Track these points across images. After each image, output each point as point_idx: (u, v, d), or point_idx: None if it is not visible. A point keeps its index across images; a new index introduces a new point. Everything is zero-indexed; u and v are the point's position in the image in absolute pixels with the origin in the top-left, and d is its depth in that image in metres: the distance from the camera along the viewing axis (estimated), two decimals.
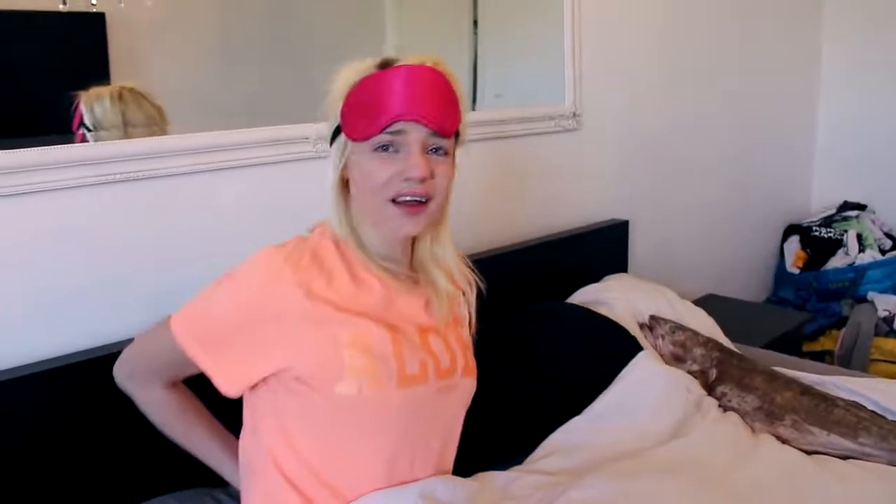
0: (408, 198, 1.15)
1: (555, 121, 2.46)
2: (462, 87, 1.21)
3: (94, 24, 1.56)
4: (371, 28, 2.10)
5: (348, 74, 1.17)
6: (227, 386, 1.16)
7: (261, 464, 1.21)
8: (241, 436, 1.27)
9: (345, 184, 1.21)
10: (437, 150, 1.17)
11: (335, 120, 1.18)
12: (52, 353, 1.49)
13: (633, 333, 2.05)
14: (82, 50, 1.58)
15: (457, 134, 1.21)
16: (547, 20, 2.46)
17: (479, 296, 1.34)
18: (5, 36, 1.45)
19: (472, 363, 1.32)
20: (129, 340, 1.54)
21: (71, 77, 1.56)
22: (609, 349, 1.97)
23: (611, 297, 2.22)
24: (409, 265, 1.28)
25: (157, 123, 1.60)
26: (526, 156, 2.42)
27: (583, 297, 2.27)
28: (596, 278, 2.42)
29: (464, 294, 1.32)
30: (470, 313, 1.35)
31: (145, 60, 1.65)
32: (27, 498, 1.41)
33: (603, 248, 2.63)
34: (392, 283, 1.22)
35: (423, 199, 1.15)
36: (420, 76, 1.14)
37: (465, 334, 1.34)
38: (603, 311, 2.13)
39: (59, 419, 1.44)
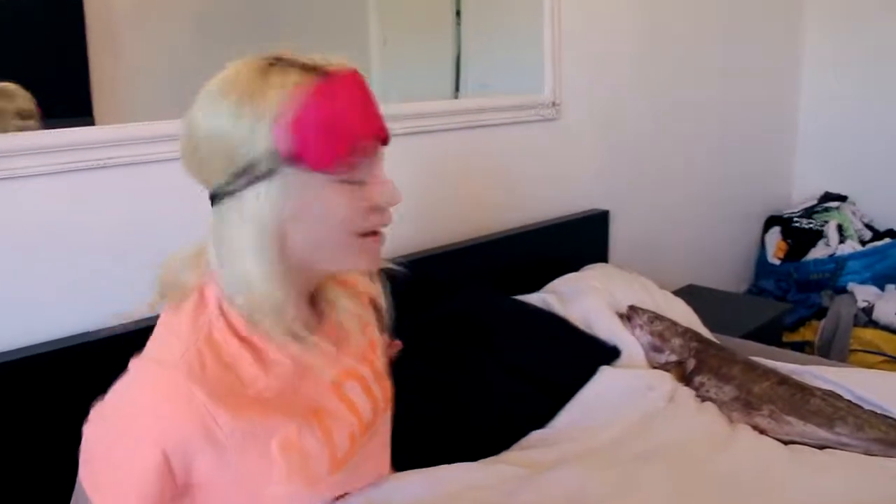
0: (382, 228, 1.00)
1: (534, 110, 2.44)
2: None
3: (71, 4, 1.53)
4: (353, 19, 2.08)
5: (284, 93, 0.91)
6: None
7: None
8: None
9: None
10: None
11: (269, 146, 0.91)
12: (20, 344, 1.47)
13: (612, 322, 2.06)
14: (60, 30, 1.55)
15: None
16: (529, 10, 2.44)
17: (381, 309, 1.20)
18: None
19: (389, 390, 1.20)
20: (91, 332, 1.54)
21: (48, 58, 1.53)
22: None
23: (590, 287, 2.21)
24: (309, 305, 1.09)
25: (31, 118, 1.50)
26: (505, 145, 2.41)
27: (561, 285, 2.26)
28: (576, 268, 2.42)
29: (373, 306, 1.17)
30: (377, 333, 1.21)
31: (124, 41, 1.62)
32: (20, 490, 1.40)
33: (583, 238, 2.63)
34: (298, 346, 1.01)
35: None
36: (360, 83, 0.96)
37: (379, 362, 1.19)
38: (584, 299, 2.13)
39: (24, 412, 1.42)
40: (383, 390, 1.17)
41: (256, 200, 0.92)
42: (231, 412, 0.93)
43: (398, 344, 1.32)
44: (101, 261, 1.56)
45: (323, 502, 1.09)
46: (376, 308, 1.18)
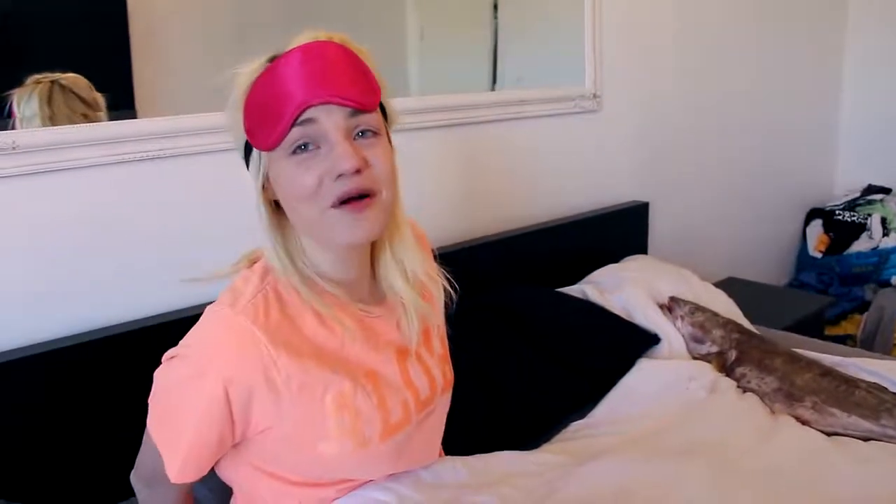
0: (350, 196, 0.97)
1: (574, 101, 2.44)
2: (374, 60, 1.02)
3: (115, 3, 1.56)
4: (391, 12, 2.10)
5: (241, 80, 0.99)
6: (197, 476, 1.04)
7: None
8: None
9: (273, 207, 1.03)
10: (363, 133, 0.98)
11: (241, 136, 1.01)
12: (61, 334, 1.50)
13: (653, 313, 2.06)
14: (103, 29, 1.58)
15: (384, 113, 1.04)
16: (567, 3, 2.44)
17: (449, 297, 1.21)
18: (27, 16, 1.46)
19: (450, 375, 1.23)
20: (139, 320, 1.58)
21: (92, 56, 1.56)
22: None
23: (629, 278, 2.21)
24: (371, 281, 1.13)
25: (88, 116, 1.52)
26: (545, 137, 2.41)
27: (601, 277, 2.26)
28: (615, 260, 2.41)
29: (432, 300, 1.18)
30: (441, 319, 1.23)
31: (166, 39, 1.65)
32: (39, 474, 1.43)
33: (623, 230, 2.63)
34: (358, 310, 1.08)
35: (368, 193, 0.98)
36: (318, 53, 0.96)
37: (438, 345, 1.22)
38: (624, 290, 2.13)
39: (59, 401, 1.45)
40: (444, 373, 1.20)
41: (251, 177, 1.02)
42: (290, 358, 0.99)
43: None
44: (148, 250, 1.60)
45: (378, 475, 1.14)
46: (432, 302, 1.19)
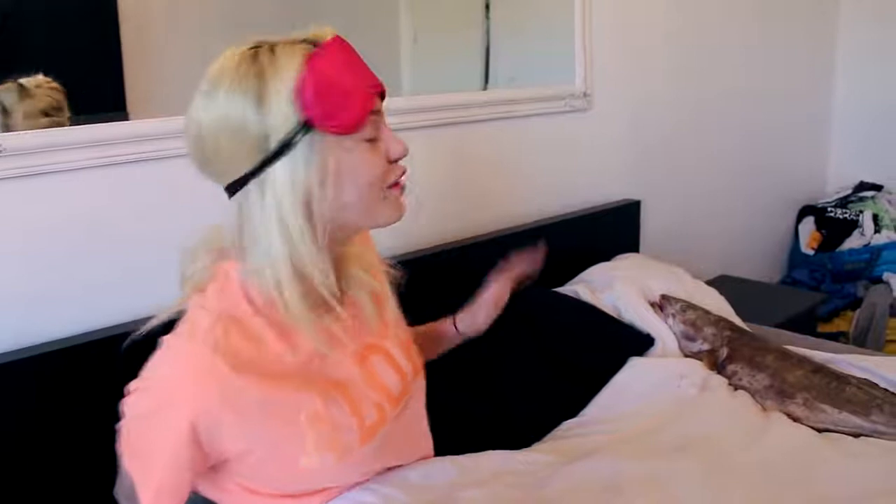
0: (402, 180, 1.05)
1: (565, 101, 2.45)
2: None
3: (106, 5, 1.56)
4: (385, 16, 2.10)
5: (284, 69, 0.94)
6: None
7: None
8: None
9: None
10: None
11: (292, 116, 0.93)
12: (54, 336, 1.50)
13: (645, 311, 2.06)
14: (93, 30, 1.58)
15: None
16: (559, 3, 2.44)
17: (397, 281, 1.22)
18: (17, 17, 1.46)
19: (418, 360, 1.23)
20: (132, 322, 1.56)
21: (84, 55, 1.56)
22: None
23: (621, 276, 2.21)
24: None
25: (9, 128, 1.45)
26: (537, 135, 2.41)
27: (592, 275, 2.27)
28: (607, 259, 2.42)
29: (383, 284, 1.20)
30: (394, 304, 1.22)
31: (157, 42, 1.65)
32: (32, 479, 1.43)
33: (615, 229, 2.63)
34: (319, 318, 1.04)
35: None
36: (348, 45, 1.01)
37: (402, 333, 1.22)
38: (615, 289, 2.14)
39: (52, 405, 1.45)
40: (411, 362, 1.20)
41: (284, 174, 0.94)
42: (256, 385, 0.97)
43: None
44: (140, 252, 1.60)
45: (364, 475, 1.13)
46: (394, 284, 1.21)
